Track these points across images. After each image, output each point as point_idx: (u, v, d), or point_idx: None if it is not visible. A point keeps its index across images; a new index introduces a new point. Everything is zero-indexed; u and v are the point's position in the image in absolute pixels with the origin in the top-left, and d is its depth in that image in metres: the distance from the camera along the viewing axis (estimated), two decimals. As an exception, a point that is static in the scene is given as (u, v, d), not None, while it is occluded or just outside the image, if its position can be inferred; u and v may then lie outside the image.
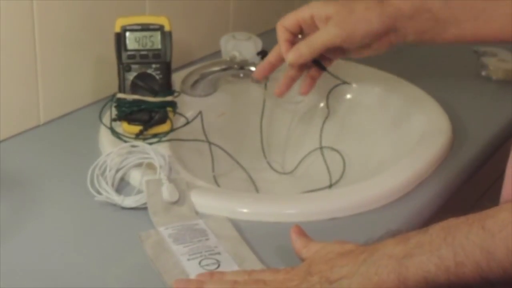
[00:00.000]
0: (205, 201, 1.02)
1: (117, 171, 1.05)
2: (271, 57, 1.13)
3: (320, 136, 1.33)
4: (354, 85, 1.31)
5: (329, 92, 1.31)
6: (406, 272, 0.75)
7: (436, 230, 0.76)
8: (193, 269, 0.90)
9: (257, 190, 1.27)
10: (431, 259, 0.74)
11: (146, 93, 1.14)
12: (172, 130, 1.16)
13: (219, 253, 0.93)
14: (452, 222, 0.75)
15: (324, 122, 1.32)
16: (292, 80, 1.13)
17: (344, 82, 1.30)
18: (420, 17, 1.06)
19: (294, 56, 1.08)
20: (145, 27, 1.14)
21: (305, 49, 1.07)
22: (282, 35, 1.09)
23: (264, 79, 1.20)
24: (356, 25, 1.05)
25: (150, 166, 1.05)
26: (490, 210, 0.74)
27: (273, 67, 1.14)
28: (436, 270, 0.73)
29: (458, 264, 0.72)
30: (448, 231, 0.74)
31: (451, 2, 1.06)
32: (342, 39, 1.06)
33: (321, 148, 1.32)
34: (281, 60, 1.11)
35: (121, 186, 1.05)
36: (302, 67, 1.12)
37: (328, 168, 1.29)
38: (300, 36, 1.10)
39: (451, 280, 0.73)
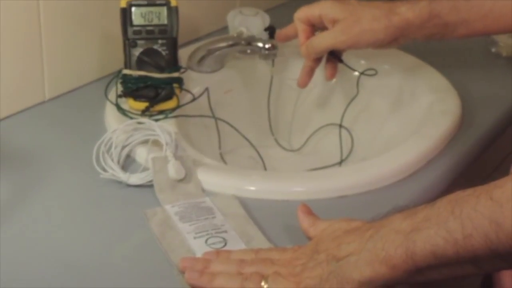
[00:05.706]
0: (212, 179, 1.02)
1: (123, 148, 1.05)
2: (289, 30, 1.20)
3: (329, 113, 1.32)
4: (362, 62, 1.30)
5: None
6: (413, 246, 0.74)
7: (444, 203, 0.75)
8: (199, 248, 0.89)
9: (265, 168, 1.26)
10: (439, 233, 0.73)
11: (152, 69, 1.13)
12: (178, 106, 1.15)
13: (225, 232, 0.92)
14: (459, 194, 0.75)
15: (333, 100, 1.32)
16: (312, 69, 1.18)
17: (363, 73, 1.29)
18: (428, 24, 1.09)
19: (304, 54, 1.16)
20: (151, 2, 1.14)
21: (312, 49, 1.14)
22: (298, 26, 1.16)
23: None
24: (361, 35, 1.09)
25: (156, 143, 1.04)
26: (498, 181, 0.73)
27: (289, 39, 1.21)
28: (444, 244, 0.72)
29: (467, 237, 0.71)
30: (455, 204, 0.73)
31: (459, 4, 1.08)
32: (347, 46, 1.12)
33: (332, 125, 1.32)
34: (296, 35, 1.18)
35: (127, 163, 1.05)
36: (318, 58, 1.17)
37: (341, 144, 1.28)
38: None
39: (459, 253, 0.72)
